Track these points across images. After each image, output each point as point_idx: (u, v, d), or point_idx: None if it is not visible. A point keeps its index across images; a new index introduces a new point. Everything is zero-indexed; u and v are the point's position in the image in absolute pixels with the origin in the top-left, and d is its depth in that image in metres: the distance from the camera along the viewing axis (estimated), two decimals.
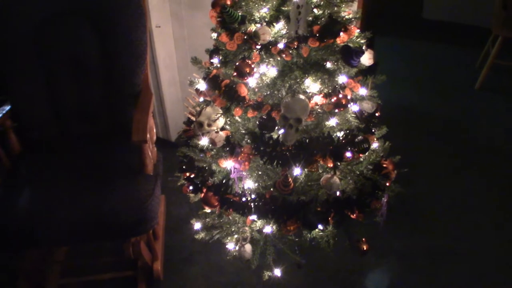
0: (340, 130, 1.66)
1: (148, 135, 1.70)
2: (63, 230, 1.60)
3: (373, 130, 1.74)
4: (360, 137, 1.61)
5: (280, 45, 1.46)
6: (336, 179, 1.63)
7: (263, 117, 1.54)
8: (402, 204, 2.20)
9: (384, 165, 1.84)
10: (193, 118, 1.85)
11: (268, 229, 1.72)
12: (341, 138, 1.62)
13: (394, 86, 3.58)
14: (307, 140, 1.61)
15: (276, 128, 1.56)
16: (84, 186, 1.69)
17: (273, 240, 1.83)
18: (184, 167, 1.87)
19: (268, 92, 1.57)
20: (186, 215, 2.37)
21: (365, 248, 1.82)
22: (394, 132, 1.92)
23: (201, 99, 1.79)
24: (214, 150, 1.75)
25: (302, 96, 1.49)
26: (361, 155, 1.67)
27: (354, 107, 1.64)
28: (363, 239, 1.84)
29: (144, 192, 1.67)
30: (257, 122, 1.56)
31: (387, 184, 1.82)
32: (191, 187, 1.84)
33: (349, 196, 1.75)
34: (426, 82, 3.79)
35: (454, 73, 3.90)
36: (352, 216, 1.76)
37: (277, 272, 1.91)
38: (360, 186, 1.78)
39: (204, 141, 1.70)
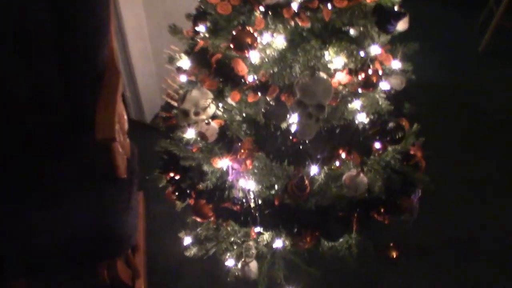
0: (365, 115, 1.30)
1: (117, 126, 1.31)
2: (12, 263, 1.21)
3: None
4: (392, 124, 1.26)
5: (294, 6, 1.07)
6: (363, 177, 1.29)
7: (271, 103, 1.17)
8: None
9: (412, 153, 1.51)
10: (175, 103, 1.46)
11: (279, 243, 1.37)
12: (368, 126, 1.27)
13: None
14: (325, 128, 1.24)
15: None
16: (35, 202, 1.29)
17: (283, 253, 1.48)
18: (165, 166, 1.49)
19: (276, 70, 1.18)
20: (170, 213, 1.97)
21: (394, 256, 1.49)
22: None
23: (184, 78, 1.39)
24: (205, 145, 1.37)
25: (323, 75, 1.12)
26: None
27: (383, 85, 1.27)
28: (391, 244, 1.51)
29: (116, 204, 1.28)
30: (262, 110, 1.19)
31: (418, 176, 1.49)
32: (176, 192, 1.46)
33: (376, 196, 1.40)
34: (426, 45, 3.44)
35: (455, 35, 3.57)
36: (378, 218, 1.42)
37: None
38: (388, 181, 1.44)
39: (190, 134, 1.32)
